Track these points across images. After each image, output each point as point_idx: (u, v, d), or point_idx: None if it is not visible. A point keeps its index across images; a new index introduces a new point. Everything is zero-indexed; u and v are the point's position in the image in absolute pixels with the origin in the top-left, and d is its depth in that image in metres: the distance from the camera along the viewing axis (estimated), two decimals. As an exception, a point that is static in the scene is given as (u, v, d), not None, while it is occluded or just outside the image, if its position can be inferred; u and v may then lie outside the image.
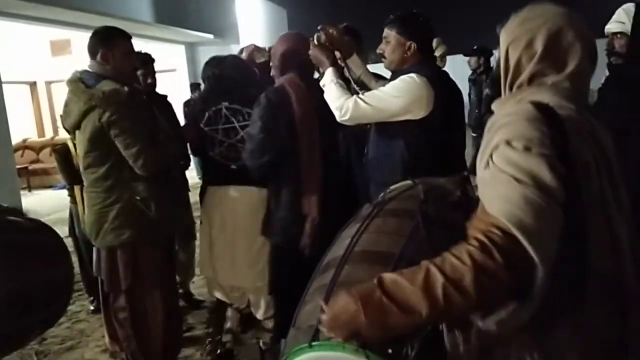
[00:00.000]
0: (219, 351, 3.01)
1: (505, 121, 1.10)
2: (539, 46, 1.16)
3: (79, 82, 2.48)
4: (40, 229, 2.01)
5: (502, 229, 0.99)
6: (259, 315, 2.99)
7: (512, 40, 1.20)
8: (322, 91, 2.41)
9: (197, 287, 3.99)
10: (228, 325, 3.11)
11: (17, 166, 7.88)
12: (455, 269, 0.99)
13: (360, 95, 2.29)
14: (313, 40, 2.46)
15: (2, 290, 1.68)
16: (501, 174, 1.04)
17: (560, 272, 1.00)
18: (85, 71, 2.53)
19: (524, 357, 1.10)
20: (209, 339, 3.05)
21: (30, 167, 10.21)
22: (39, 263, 1.88)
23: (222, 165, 2.83)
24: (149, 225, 2.51)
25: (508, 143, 1.05)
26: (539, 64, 1.17)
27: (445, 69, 3.22)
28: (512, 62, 1.20)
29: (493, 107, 1.24)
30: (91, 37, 2.57)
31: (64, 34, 11.03)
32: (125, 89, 2.42)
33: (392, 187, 1.66)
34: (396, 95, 2.23)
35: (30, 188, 9.87)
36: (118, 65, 2.53)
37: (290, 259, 2.48)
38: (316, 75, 2.63)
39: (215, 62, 2.97)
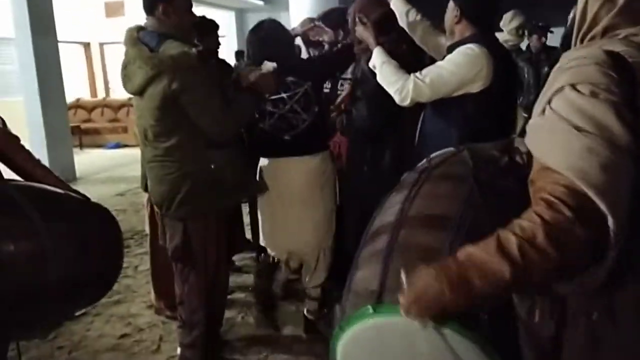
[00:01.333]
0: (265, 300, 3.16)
1: (573, 64, 1.04)
2: (619, 0, 1.11)
3: (141, 44, 2.30)
4: (103, 218, 2.02)
5: (566, 184, 0.94)
6: (308, 281, 2.98)
7: None
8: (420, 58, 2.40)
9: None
10: (279, 277, 3.27)
11: (70, 124, 8.14)
12: (525, 229, 0.95)
13: (418, 75, 2.22)
14: (357, 19, 2.45)
15: (57, 276, 1.71)
16: (560, 122, 0.98)
17: (630, 227, 0.94)
18: (143, 30, 2.34)
19: (591, 315, 1.05)
20: (258, 286, 3.21)
21: (82, 126, 10.52)
22: (95, 254, 1.89)
23: (273, 137, 2.76)
24: (224, 193, 2.45)
25: (573, 86, 1.00)
26: (616, 17, 1.11)
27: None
28: (590, 14, 1.15)
29: (562, 57, 1.17)
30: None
31: (118, -4, 11.23)
32: (194, 50, 2.25)
33: (434, 155, 1.59)
34: (455, 71, 2.17)
35: (82, 146, 10.18)
36: (180, 20, 2.32)
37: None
38: None
39: (256, 27, 2.84)
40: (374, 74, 2.42)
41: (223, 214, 2.58)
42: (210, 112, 2.28)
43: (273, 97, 2.70)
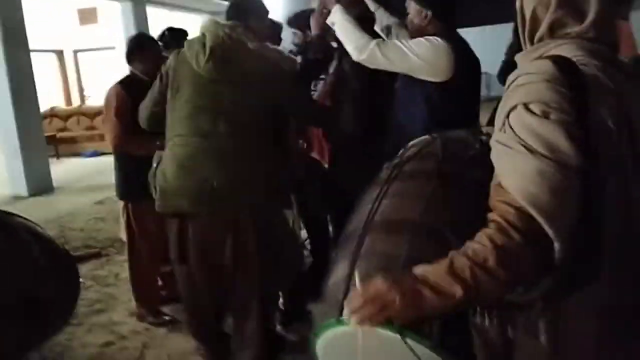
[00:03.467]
0: None
1: (525, 80, 1.06)
2: None
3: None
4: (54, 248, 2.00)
5: (517, 207, 0.98)
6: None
7: None
8: None
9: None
10: None
11: (45, 134, 8.03)
12: (477, 252, 0.99)
13: (380, 42, 2.31)
14: None
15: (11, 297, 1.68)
16: (515, 142, 1.01)
17: (578, 238, 0.99)
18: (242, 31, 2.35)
19: (537, 324, 1.09)
20: None
21: (58, 135, 10.39)
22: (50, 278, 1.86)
23: None
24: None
25: (526, 106, 1.02)
26: (555, 12, 1.11)
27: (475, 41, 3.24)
28: (527, 13, 1.16)
29: (516, 60, 1.20)
30: (241, 4, 2.48)
31: (91, 2, 11.10)
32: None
33: (410, 144, 1.63)
34: (415, 50, 2.24)
35: (58, 156, 10.05)
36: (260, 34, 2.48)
37: None
38: None
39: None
40: (355, 73, 2.46)
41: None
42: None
43: None
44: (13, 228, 1.81)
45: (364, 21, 2.50)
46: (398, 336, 1.10)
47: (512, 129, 1.03)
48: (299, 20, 3.13)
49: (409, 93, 2.37)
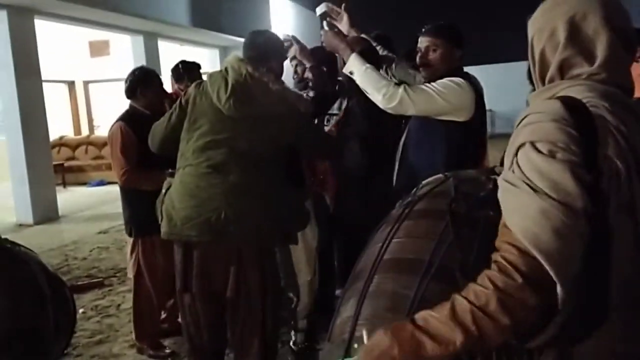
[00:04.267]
0: None
1: (534, 119, 1.05)
2: (561, 34, 1.11)
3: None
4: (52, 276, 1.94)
5: (520, 248, 0.97)
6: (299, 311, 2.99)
7: (535, 31, 1.16)
8: None
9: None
10: None
11: (54, 163, 8.09)
12: (479, 295, 0.98)
13: (407, 87, 2.28)
14: (324, 28, 2.50)
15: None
16: (522, 183, 1.00)
17: (584, 281, 0.97)
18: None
19: None
20: None
21: (65, 164, 10.46)
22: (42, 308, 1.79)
23: None
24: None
25: (533, 144, 1.01)
26: (563, 53, 1.11)
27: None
28: (537, 55, 1.16)
29: (528, 99, 1.21)
30: (263, 44, 2.44)
31: (103, 35, 11.32)
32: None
33: (424, 182, 1.63)
34: (444, 93, 2.24)
35: (65, 184, 10.10)
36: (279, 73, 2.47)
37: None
38: None
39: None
40: (365, 114, 2.49)
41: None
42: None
43: None
44: (21, 259, 1.81)
45: (369, 55, 2.52)
46: None
47: (519, 167, 1.02)
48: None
49: (426, 133, 2.36)
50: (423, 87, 2.31)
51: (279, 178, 2.35)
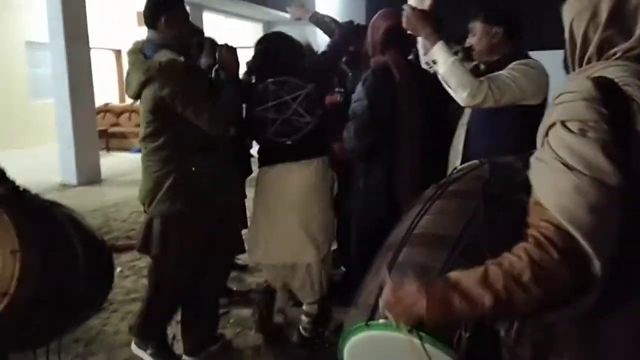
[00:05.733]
0: (267, 329, 3.03)
1: (565, 98, 1.06)
2: (603, 13, 1.11)
3: (139, 52, 2.47)
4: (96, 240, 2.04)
5: (556, 224, 0.97)
6: (305, 296, 2.93)
7: (575, 14, 1.15)
8: (423, 75, 2.40)
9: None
10: (278, 304, 3.11)
11: (98, 128, 8.35)
12: (513, 266, 0.99)
13: (490, 81, 2.16)
14: (408, 5, 2.31)
15: (52, 283, 1.70)
16: (554, 160, 1.01)
17: (617, 258, 0.98)
18: (146, 41, 2.50)
19: (572, 346, 1.09)
20: (259, 316, 3.05)
21: (109, 130, 10.77)
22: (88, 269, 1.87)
23: (275, 143, 2.73)
24: (200, 198, 2.49)
25: (563, 123, 1.02)
26: (605, 32, 1.11)
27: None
28: (578, 37, 1.15)
29: (568, 79, 1.19)
30: (148, 4, 2.49)
31: (150, 5, 11.51)
32: (182, 59, 2.39)
33: (458, 168, 1.63)
34: (521, 81, 2.16)
35: (108, 149, 10.41)
36: (180, 32, 2.48)
37: (371, 242, 2.43)
38: None
39: (261, 39, 2.91)
40: (370, 97, 2.42)
41: (204, 219, 2.54)
42: (205, 110, 2.39)
43: (275, 102, 2.67)
44: (57, 219, 1.84)
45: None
46: (420, 343, 1.11)
47: (550, 146, 1.03)
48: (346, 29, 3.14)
49: (495, 120, 2.25)
50: (502, 77, 2.19)
51: (172, 153, 2.46)
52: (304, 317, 2.96)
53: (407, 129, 2.45)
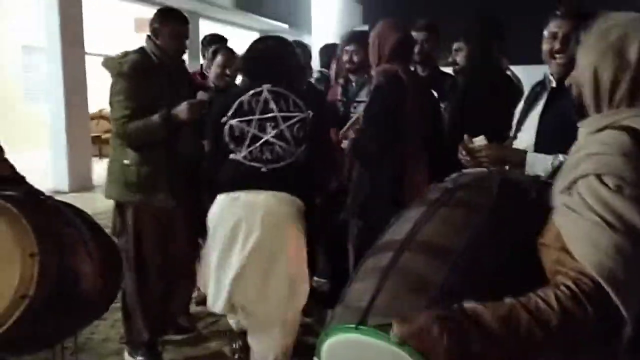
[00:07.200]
0: None
1: (599, 150, 1.03)
2: (632, 53, 1.08)
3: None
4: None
5: (592, 279, 0.96)
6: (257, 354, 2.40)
7: (599, 57, 1.12)
8: (425, 84, 2.53)
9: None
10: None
11: (92, 134, 8.32)
12: (542, 311, 0.96)
13: None
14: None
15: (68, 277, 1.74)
16: (589, 212, 0.99)
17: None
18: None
19: None
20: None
21: (103, 137, 10.72)
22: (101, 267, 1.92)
23: (247, 168, 2.27)
24: (128, 191, 2.73)
25: (599, 177, 0.99)
26: (636, 71, 1.08)
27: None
28: (606, 80, 1.11)
29: (581, 126, 1.16)
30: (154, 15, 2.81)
31: (148, 12, 11.51)
32: (134, 57, 2.65)
33: (466, 171, 1.58)
34: None
35: (101, 156, 10.36)
36: (165, 43, 2.71)
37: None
38: None
39: (263, 37, 2.68)
40: (387, 103, 2.49)
41: (153, 211, 2.76)
42: (116, 120, 2.65)
43: (261, 115, 2.27)
44: (71, 220, 1.90)
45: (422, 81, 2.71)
46: None
47: (581, 196, 1.01)
48: (357, 39, 3.16)
49: (563, 134, 2.14)
50: None
51: (114, 145, 2.78)
52: None
53: (414, 135, 2.54)
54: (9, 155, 2.16)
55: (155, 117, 2.61)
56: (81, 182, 7.43)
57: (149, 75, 2.66)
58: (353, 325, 1.19)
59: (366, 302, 1.23)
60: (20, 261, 1.56)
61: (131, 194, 2.75)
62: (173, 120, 2.62)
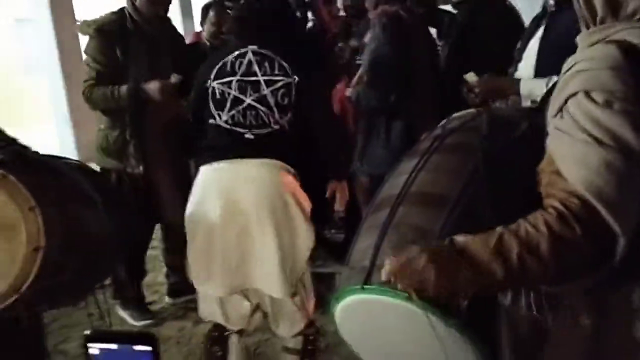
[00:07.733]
0: None
1: (587, 66, 0.99)
2: None
3: None
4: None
5: (580, 198, 0.94)
6: (282, 331, 2.26)
7: None
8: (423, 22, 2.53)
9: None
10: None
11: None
12: (531, 236, 0.95)
13: None
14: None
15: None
16: (579, 132, 0.96)
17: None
18: None
19: (577, 308, 1.07)
20: None
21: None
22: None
23: (230, 134, 2.12)
24: (103, 156, 2.81)
25: (587, 94, 0.96)
26: None
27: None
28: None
29: (578, 40, 1.12)
30: None
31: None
32: (104, 17, 2.65)
33: (454, 115, 1.55)
34: None
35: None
36: (143, 6, 2.67)
37: None
38: None
39: None
40: (392, 44, 2.48)
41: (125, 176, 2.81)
42: (84, 82, 2.67)
43: (243, 77, 2.11)
44: (63, 171, 1.89)
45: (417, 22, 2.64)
46: (421, 311, 1.07)
47: (572, 116, 0.98)
48: None
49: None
50: None
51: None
52: (285, 355, 2.32)
53: (422, 76, 2.54)
54: (17, 133, 2.15)
55: (123, 89, 2.58)
56: (89, 151, 7.41)
57: (119, 37, 2.61)
58: (359, 287, 1.22)
59: (368, 262, 1.24)
60: (22, 218, 1.55)
61: (106, 159, 2.77)
62: (141, 95, 2.59)
